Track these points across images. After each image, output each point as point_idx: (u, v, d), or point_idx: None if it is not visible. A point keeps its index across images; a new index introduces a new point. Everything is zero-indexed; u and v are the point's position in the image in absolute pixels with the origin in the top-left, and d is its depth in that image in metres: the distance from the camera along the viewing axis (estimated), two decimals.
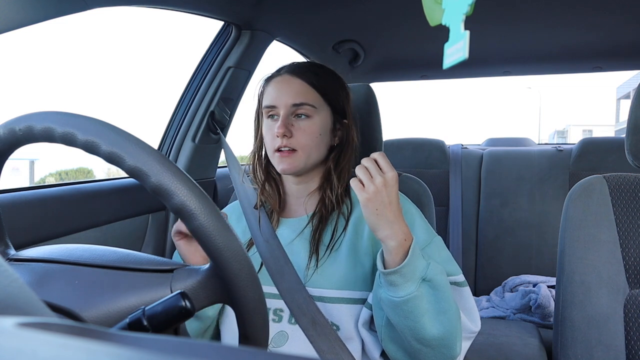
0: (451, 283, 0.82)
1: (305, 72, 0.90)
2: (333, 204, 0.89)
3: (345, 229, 0.88)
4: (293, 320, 0.83)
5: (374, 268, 0.83)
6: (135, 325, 0.41)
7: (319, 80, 0.90)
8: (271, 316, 0.85)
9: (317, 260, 0.84)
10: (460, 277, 0.84)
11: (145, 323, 0.41)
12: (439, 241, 0.86)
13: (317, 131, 0.88)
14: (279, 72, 0.92)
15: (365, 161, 0.74)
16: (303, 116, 0.87)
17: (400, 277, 0.72)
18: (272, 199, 0.93)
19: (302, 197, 0.93)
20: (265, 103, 0.89)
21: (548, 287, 1.70)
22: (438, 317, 0.73)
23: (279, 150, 0.86)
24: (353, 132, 0.93)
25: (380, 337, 0.81)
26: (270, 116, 0.89)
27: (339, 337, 0.81)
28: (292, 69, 0.91)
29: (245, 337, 0.47)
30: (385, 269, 0.73)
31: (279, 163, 0.87)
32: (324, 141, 0.90)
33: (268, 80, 0.92)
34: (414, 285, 0.72)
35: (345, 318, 0.82)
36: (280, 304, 0.84)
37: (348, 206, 0.90)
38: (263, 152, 0.94)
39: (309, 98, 0.88)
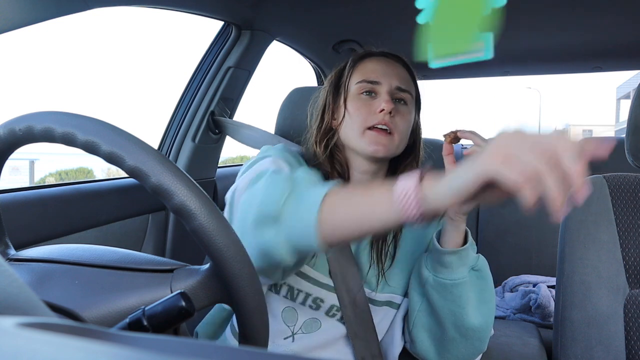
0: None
1: (405, 62, 0.87)
2: None
3: (400, 231, 0.85)
4: (331, 313, 0.83)
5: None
6: (135, 325, 0.41)
7: (414, 76, 0.88)
8: (309, 303, 0.82)
9: (383, 268, 0.82)
10: None
11: (145, 323, 0.41)
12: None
13: (411, 121, 0.84)
14: (372, 52, 0.87)
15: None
16: (403, 102, 0.83)
17: (458, 259, 0.72)
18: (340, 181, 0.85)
19: None
20: (362, 77, 0.83)
21: (548, 287, 1.70)
22: (480, 307, 0.74)
23: (374, 128, 0.79)
24: (421, 139, 0.90)
25: (411, 324, 0.80)
26: (366, 92, 0.82)
27: (374, 327, 0.81)
28: (393, 55, 0.87)
29: (245, 337, 0.47)
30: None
31: (371, 142, 0.79)
32: (408, 135, 0.85)
33: (364, 57, 0.87)
34: (466, 270, 0.73)
35: (384, 320, 0.83)
36: (323, 293, 0.81)
37: None
38: (334, 138, 0.85)
39: (410, 87, 0.85)
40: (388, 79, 0.82)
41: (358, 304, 0.80)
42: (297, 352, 0.83)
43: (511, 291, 1.79)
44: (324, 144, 0.85)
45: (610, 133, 28.26)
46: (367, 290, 0.83)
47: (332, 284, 0.81)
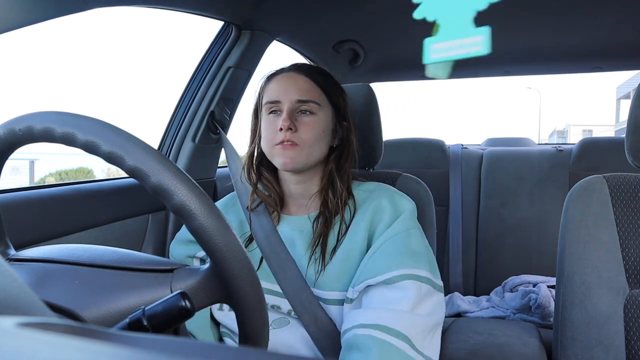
0: (411, 275, 0.77)
1: (309, 71, 0.90)
2: (337, 207, 0.87)
3: (346, 232, 0.86)
4: (293, 314, 0.84)
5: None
6: (135, 325, 0.41)
7: (323, 79, 0.90)
8: (269, 308, 0.86)
9: (323, 264, 0.84)
10: (422, 272, 0.78)
11: (145, 323, 0.41)
12: (414, 234, 0.83)
13: (321, 128, 0.87)
14: (281, 70, 0.92)
15: None
16: (307, 112, 0.86)
17: None
18: (270, 199, 0.92)
19: (304, 198, 0.92)
20: (267, 99, 0.88)
21: (548, 287, 1.70)
22: None
23: (280, 143, 0.84)
24: (352, 135, 0.93)
25: None
26: (273, 112, 0.88)
27: (340, 335, 0.81)
28: (296, 67, 0.91)
29: (245, 337, 0.47)
30: None
31: (279, 156, 0.85)
32: (325, 140, 0.89)
33: (270, 77, 0.92)
34: None
35: (340, 318, 0.83)
36: (277, 300, 0.85)
37: (351, 209, 0.88)
38: (257, 152, 0.93)
39: (314, 95, 0.88)
40: (288, 96, 0.86)
41: (319, 319, 0.81)
42: (275, 348, 0.85)
43: (511, 291, 1.79)
44: (251, 160, 0.93)
45: (610, 133, 28.25)
46: (315, 290, 0.84)
47: (281, 290, 0.85)
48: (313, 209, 0.91)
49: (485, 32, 0.40)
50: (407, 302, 0.74)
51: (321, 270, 0.84)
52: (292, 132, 0.84)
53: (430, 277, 0.80)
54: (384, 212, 0.85)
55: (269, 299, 0.85)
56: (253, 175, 0.93)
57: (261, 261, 0.87)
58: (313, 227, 0.88)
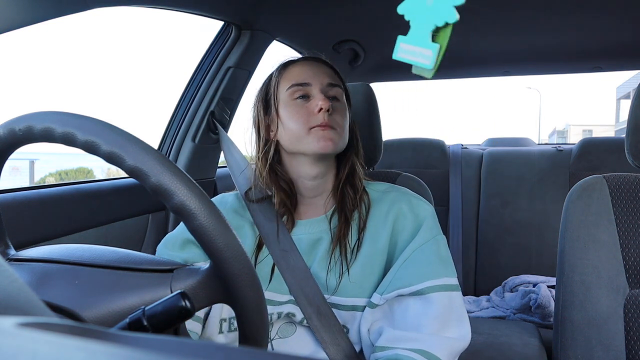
0: (442, 286, 0.79)
1: (328, 63, 0.89)
2: (355, 203, 0.85)
3: (364, 229, 0.84)
4: (305, 322, 0.82)
5: (385, 272, 0.82)
6: (135, 325, 0.41)
7: (339, 74, 0.90)
8: (282, 317, 0.83)
9: (347, 264, 0.81)
10: (452, 280, 0.80)
11: (145, 323, 0.41)
12: (441, 240, 0.83)
13: (347, 116, 0.86)
14: (297, 59, 0.88)
15: None
16: (336, 99, 0.84)
17: None
18: (286, 200, 0.86)
19: (316, 197, 0.88)
20: (292, 82, 0.83)
21: (548, 287, 1.70)
22: None
23: (319, 126, 0.79)
24: (358, 133, 0.91)
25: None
26: (300, 97, 0.82)
27: (342, 330, 0.81)
28: (315, 58, 0.89)
29: (245, 337, 0.47)
30: None
31: (319, 139, 0.79)
32: (348, 130, 0.86)
33: (288, 64, 0.87)
34: None
35: (356, 323, 0.82)
36: (291, 308, 0.82)
37: (366, 205, 0.86)
38: (273, 148, 0.86)
39: (339, 82, 0.87)
40: (318, 78, 0.83)
41: (322, 313, 0.80)
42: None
43: (511, 291, 1.79)
44: (266, 160, 0.86)
45: (610, 133, 28.25)
46: (327, 296, 0.81)
47: (294, 299, 0.82)
48: (329, 208, 0.88)
49: (434, 47, 0.40)
50: (439, 318, 0.76)
51: (345, 272, 0.81)
52: (329, 114, 0.80)
53: (456, 281, 0.81)
54: (406, 219, 0.83)
55: (283, 308, 0.82)
56: (271, 176, 0.86)
57: (273, 268, 0.83)
58: (331, 226, 0.85)
